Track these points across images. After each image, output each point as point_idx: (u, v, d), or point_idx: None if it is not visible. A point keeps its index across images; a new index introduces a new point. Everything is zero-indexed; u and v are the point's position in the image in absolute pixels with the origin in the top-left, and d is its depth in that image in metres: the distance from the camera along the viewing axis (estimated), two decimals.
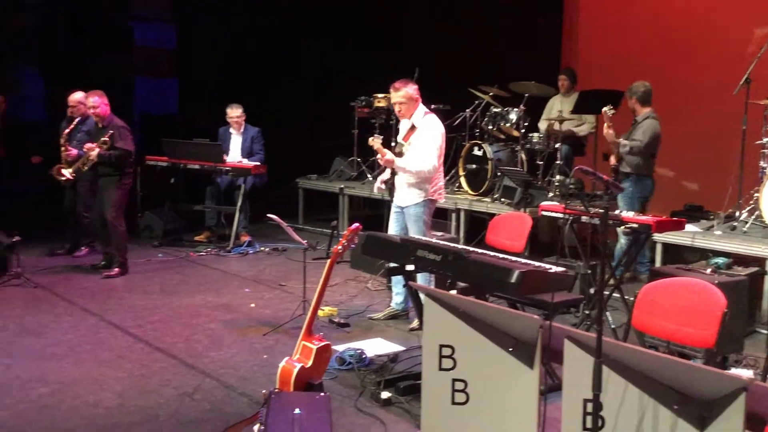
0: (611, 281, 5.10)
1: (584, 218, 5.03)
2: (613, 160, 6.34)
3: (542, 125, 8.21)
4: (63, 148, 7.05)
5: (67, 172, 6.78)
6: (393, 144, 5.70)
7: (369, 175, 8.96)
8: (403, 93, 5.35)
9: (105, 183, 6.78)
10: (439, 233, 6.34)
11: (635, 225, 4.85)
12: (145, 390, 4.23)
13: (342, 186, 9.05)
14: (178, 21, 11.83)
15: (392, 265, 4.58)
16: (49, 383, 4.30)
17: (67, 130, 7.14)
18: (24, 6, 11.71)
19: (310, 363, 3.50)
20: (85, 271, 6.97)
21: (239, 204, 8.00)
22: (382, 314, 5.68)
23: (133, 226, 7.60)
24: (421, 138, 5.37)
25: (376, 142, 5.50)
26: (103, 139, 6.63)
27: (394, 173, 5.54)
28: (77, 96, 7.29)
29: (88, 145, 6.69)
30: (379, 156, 5.51)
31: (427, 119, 5.42)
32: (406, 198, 5.47)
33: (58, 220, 7.72)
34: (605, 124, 6.25)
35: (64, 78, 9.32)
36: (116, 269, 6.79)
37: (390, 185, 5.60)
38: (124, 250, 6.90)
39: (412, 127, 5.45)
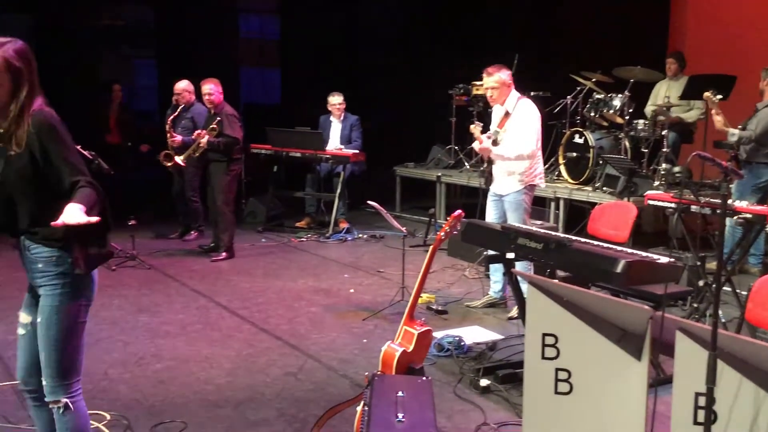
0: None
1: (694, 208, 4.84)
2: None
3: (648, 111, 7.94)
4: (168, 135, 7.37)
5: (179, 159, 7.03)
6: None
7: (466, 164, 8.94)
8: (496, 78, 5.32)
9: (214, 169, 7.00)
10: (539, 222, 6.26)
11: (749, 215, 4.64)
12: (253, 369, 4.40)
13: (439, 174, 9.06)
14: (282, 13, 12.14)
15: (492, 252, 4.56)
16: (163, 359, 4.53)
17: (171, 117, 7.46)
18: None
19: (411, 347, 3.54)
20: (195, 254, 7.28)
21: (338, 191, 8.15)
22: (480, 302, 5.67)
23: (238, 212, 7.87)
24: (518, 123, 5.32)
25: (476, 129, 5.48)
26: (211, 126, 6.87)
27: (491, 162, 5.51)
28: (182, 84, 7.59)
29: (198, 132, 6.94)
30: (476, 142, 5.49)
31: (522, 104, 5.36)
32: (506, 186, 5.43)
33: (169, 205, 8.11)
34: (713, 111, 5.99)
35: (175, 68, 9.73)
36: (224, 253, 7.04)
37: (487, 174, 5.57)
38: (231, 235, 7.14)
39: (506, 114, 5.39)
